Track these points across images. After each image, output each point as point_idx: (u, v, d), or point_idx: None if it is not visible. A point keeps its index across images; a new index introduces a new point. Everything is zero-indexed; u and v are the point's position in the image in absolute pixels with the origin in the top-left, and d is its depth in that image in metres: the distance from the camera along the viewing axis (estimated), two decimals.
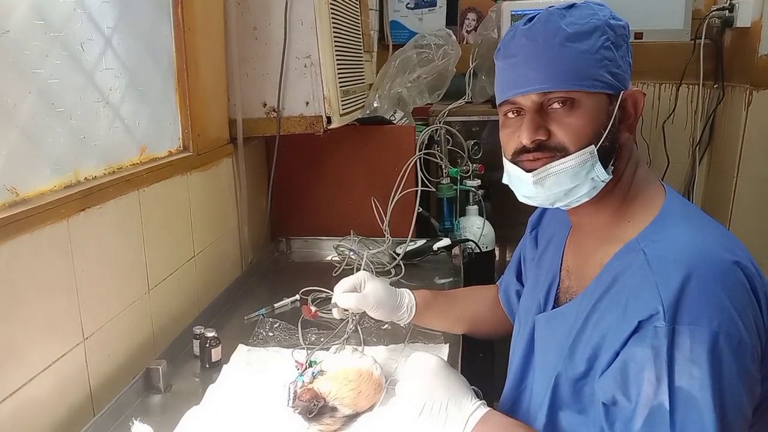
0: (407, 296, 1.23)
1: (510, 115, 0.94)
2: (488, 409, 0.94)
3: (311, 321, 1.36)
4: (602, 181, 0.89)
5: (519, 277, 1.26)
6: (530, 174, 0.90)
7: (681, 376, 0.76)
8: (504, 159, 0.96)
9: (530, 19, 0.90)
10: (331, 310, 1.20)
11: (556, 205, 0.94)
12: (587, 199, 0.91)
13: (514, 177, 0.94)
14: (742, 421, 0.77)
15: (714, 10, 2.68)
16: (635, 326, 0.79)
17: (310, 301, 1.48)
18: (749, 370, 0.77)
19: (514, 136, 0.91)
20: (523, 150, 0.90)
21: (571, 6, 0.90)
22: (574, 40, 0.86)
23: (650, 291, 0.79)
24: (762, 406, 0.83)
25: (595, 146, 0.87)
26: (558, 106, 0.88)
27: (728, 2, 2.64)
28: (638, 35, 2.78)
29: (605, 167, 0.89)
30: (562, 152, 0.88)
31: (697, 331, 0.76)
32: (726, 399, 0.75)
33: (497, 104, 0.96)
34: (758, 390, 0.80)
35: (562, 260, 1.05)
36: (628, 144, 0.93)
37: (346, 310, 1.21)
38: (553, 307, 1.01)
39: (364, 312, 1.20)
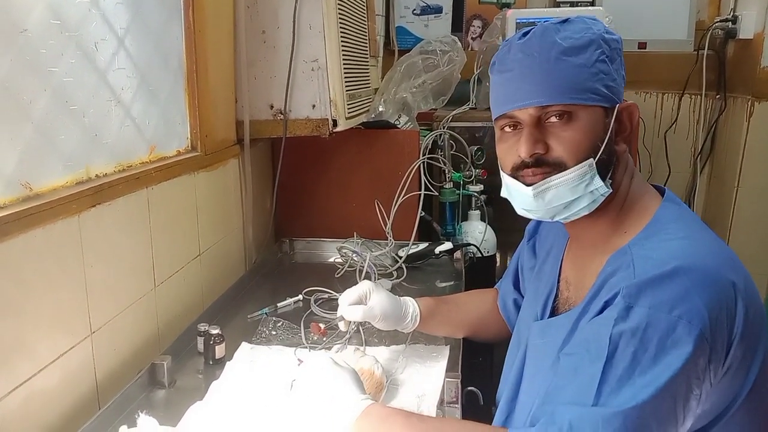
0: (411, 306, 1.22)
1: (507, 129, 0.94)
2: (371, 402, 0.95)
3: (314, 319, 1.38)
4: (602, 195, 0.90)
5: (516, 286, 1.26)
6: (530, 187, 0.91)
7: (624, 350, 0.77)
8: (502, 173, 0.97)
9: (525, 34, 0.91)
10: (337, 323, 1.20)
11: (555, 219, 0.95)
12: (587, 213, 0.92)
13: (513, 190, 0.95)
14: (671, 404, 0.77)
15: (717, 22, 2.70)
16: (601, 307, 0.82)
17: (314, 304, 1.50)
18: (698, 365, 0.76)
19: (512, 150, 0.93)
20: (522, 165, 0.91)
21: (566, 21, 0.91)
22: (569, 53, 0.87)
23: (626, 281, 0.81)
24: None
25: (594, 159, 0.89)
26: (555, 120, 0.89)
27: (731, 14, 2.66)
28: (642, 45, 2.80)
29: (603, 179, 0.90)
30: (560, 167, 0.89)
31: (655, 317, 0.76)
32: (663, 386, 0.75)
33: (493, 118, 0.97)
34: (696, 395, 0.79)
35: (560, 271, 1.06)
36: (624, 156, 0.95)
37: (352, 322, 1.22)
38: (550, 317, 1.02)
39: None
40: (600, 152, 0.89)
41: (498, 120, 0.96)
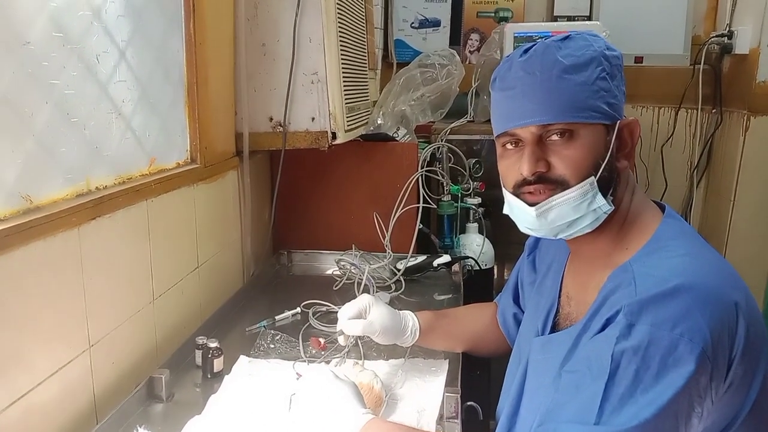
0: (411, 320, 1.22)
1: (509, 146, 0.95)
2: (373, 417, 0.95)
3: (312, 333, 1.38)
4: (604, 212, 0.91)
5: (516, 300, 1.26)
6: (533, 207, 0.92)
7: (626, 368, 0.77)
8: (504, 190, 0.98)
9: (526, 51, 0.92)
10: (336, 337, 1.20)
11: (558, 237, 0.96)
12: (590, 230, 0.93)
13: (516, 208, 0.95)
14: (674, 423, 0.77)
15: (713, 37, 2.72)
16: (603, 324, 0.82)
17: (312, 317, 1.50)
18: (699, 383, 0.77)
19: (514, 168, 0.93)
20: (524, 182, 0.92)
21: (566, 38, 0.92)
22: (571, 72, 0.88)
23: (627, 298, 0.81)
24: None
25: (595, 177, 0.89)
26: (557, 138, 0.89)
27: (727, 29, 2.68)
28: (638, 59, 2.81)
29: (605, 196, 0.90)
30: (562, 185, 0.90)
31: (657, 335, 0.76)
32: (666, 404, 0.75)
33: (495, 136, 0.98)
34: (698, 413, 0.79)
35: (561, 286, 1.05)
36: (626, 172, 0.95)
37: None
38: (551, 333, 1.02)
39: None
40: (601, 170, 0.90)
41: (499, 137, 0.96)
